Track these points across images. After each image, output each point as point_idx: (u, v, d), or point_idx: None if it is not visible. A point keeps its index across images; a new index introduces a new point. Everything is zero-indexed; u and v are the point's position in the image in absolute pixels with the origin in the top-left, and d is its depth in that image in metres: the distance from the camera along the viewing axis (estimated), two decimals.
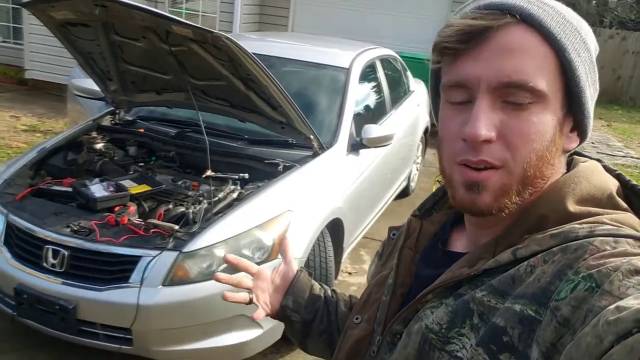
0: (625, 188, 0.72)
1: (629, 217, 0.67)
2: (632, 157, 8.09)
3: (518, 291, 0.62)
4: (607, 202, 0.69)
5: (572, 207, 0.68)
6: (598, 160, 0.77)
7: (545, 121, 0.67)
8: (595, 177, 0.71)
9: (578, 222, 0.66)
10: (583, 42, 0.69)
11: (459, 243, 0.81)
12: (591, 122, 0.73)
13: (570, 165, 0.75)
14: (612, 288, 0.54)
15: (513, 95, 0.66)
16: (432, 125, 6.18)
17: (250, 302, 1.03)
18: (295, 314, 1.05)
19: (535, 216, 0.69)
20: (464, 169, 0.69)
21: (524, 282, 0.63)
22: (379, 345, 0.79)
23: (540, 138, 0.67)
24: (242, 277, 1.06)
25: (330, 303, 1.07)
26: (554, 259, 0.62)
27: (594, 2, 14.29)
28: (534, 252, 0.65)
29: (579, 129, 0.73)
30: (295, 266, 1.09)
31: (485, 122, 0.65)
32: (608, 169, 0.75)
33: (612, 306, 0.50)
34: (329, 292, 1.10)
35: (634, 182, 0.73)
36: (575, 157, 0.77)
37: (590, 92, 0.71)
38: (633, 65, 12.54)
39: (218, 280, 1.03)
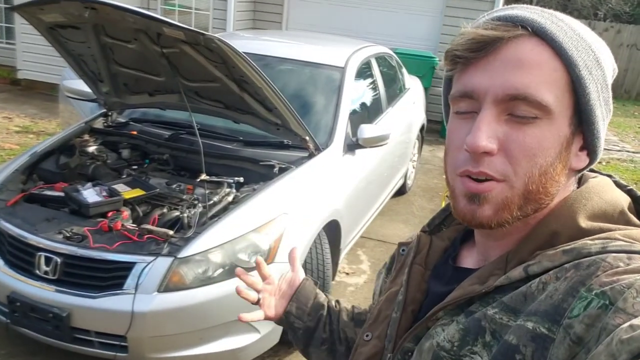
0: (637, 204, 0.72)
1: None
2: (627, 151, 8.09)
3: (530, 308, 0.62)
4: (619, 218, 0.69)
5: (584, 222, 0.67)
6: (609, 175, 0.76)
7: (550, 137, 0.66)
8: (606, 192, 0.71)
9: (590, 238, 0.65)
10: (596, 60, 0.68)
11: (469, 259, 0.81)
12: (602, 143, 0.71)
13: (580, 181, 0.75)
14: (626, 306, 0.53)
15: (518, 109, 0.65)
16: (428, 122, 6.17)
17: (258, 302, 1.08)
18: (298, 320, 1.07)
19: (547, 232, 0.69)
20: (465, 179, 0.68)
21: (536, 299, 0.62)
22: None
23: (544, 153, 0.65)
24: (256, 279, 1.11)
25: (333, 312, 1.10)
26: (567, 275, 0.61)
27: None
28: (545, 269, 0.64)
29: (589, 148, 0.71)
30: (302, 275, 1.13)
31: (487, 133, 0.65)
32: (619, 185, 0.75)
33: (626, 324, 0.50)
34: (333, 302, 1.12)
35: None
36: (586, 172, 0.76)
37: (602, 111, 0.69)
38: (628, 58, 12.55)
39: (238, 275, 1.10)
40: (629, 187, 0.74)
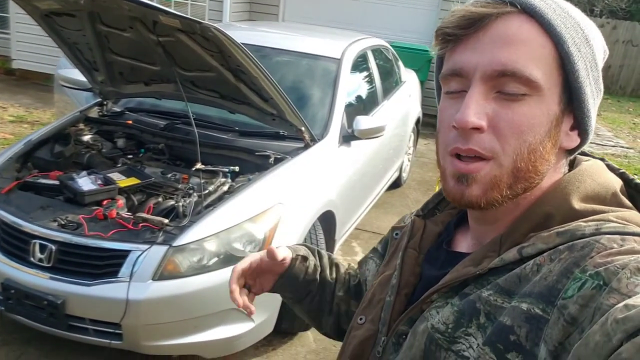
0: (629, 187, 0.72)
1: (635, 214, 0.67)
2: (621, 146, 8.13)
3: (525, 290, 0.62)
4: (612, 200, 0.69)
5: (578, 204, 0.68)
6: (601, 159, 0.76)
7: (539, 114, 0.66)
8: (599, 175, 0.71)
9: (584, 220, 0.66)
10: (585, 38, 0.68)
11: (463, 243, 0.81)
12: (592, 122, 0.71)
13: (573, 164, 0.75)
14: (620, 286, 0.53)
15: (507, 85, 0.65)
16: (424, 115, 6.17)
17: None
18: (286, 294, 1.07)
19: (541, 214, 0.69)
20: (454, 160, 0.69)
21: (531, 281, 0.62)
22: (384, 346, 0.79)
23: (533, 131, 0.66)
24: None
25: (327, 285, 1.07)
26: (561, 257, 0.62)
27: None
28: (540, 251, 0.64)
29: (580, 128, 0.71)
30: (290, 255, 1.04)
31: (475, 110, 0.65)
32: (611, 168, 0.75)
33: (621, 304, 0.50)
34: (327, 271, 1.08)
35: (638, 181, 0.72)
36: (578, 156, 0.76)
37: (591, 89, 0.69)
38: (623, 55, 12.58)
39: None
40: (621, 170, 0.74)
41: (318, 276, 1.07)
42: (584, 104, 0.69)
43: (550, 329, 0.57)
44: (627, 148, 8.07)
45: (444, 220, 0.88)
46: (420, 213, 0.91)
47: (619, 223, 0.64)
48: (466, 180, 0.67)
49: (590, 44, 0.69)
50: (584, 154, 0.77)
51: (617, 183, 0.71)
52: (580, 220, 0.66)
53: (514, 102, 0.65)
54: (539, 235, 0.66)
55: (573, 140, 0.71)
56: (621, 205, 0.69)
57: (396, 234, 0.92)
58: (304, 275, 1.05)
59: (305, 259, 1.07)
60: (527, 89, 0.65)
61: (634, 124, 9.92)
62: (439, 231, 0.86)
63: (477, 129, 0.65)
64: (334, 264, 1.11)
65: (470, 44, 0.67)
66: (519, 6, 0.66)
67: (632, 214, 0.67)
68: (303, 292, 1.06)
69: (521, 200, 0.70)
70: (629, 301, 0.50)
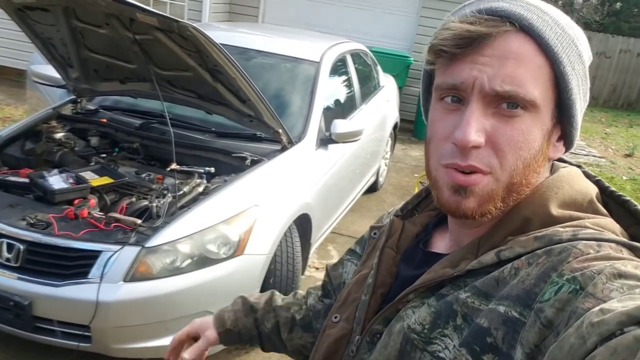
0: (604, 194, 0.74)
1: (610, 222, 0.69)
2: (594, 155, 8.30)
3: (502, 293, 0.63)
4: (588, 207, 0.70)
5: (555, 210, 0.69)
6: (578, 166, 0.78)
7: (535, 130, 0.67)
8: (576, 182, 0.73)
9: (561, 225, 0.67)
10: (578, 54, 0.69)
11: (440, 244, 0.82)
12: (578, 133, 0.73)
13: (551, 170, 0.76)
14: (596, 291, 0.54)
15: (506, 102, 0.66)
16: (402, 120, 6.21)
17: None
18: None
19: (519, 218, 0.70)
20: (451, 171, 0.69)
21: (508, 284, 0.63)
22: (358, 345, 0.79)
23: (528, 146, 0.67)
24: None
25: (266, 337, 1.09)
26: (538, 261, 0.63)
27: (560, 2, 14.58)
28: (518, 254, 0.65)
29: (566, 138, 0.73)
30: (213, 336, 1.09)
31: (476, 128, 0.65)
32: (588, 175, 0.77)
33: (596, 308, 0.51)
34: (265, 324, 1.09)
35: (613, 189, 0.74)
36: (555, 162, 0.77)
37: (581, 104, 0.71)
38: (596, 66, 12.87)
39: None
40: (597, 178, 0.76)
41: (256, 332, 1.09)
42: (573, 118, 0.71)
43: (526, 332, 0.58)
44: (599, 157, 8.25)
45: (423, 221, 0.88)
46: (399, 213, 0.91)
47: (595, 229, 0.65)
48: (464, 192, 0.68)
49: (583, 59, 0.70)
50: (561, 160, 0.78)
51: (593, 190, 0.73)
52: (558, 225, 0.67)
53: (512, 118, 0.66)
54: (517, 239, 0.67)
55: (559, 150, 0.73)
56: (597, 212, 0.70)
57: (374, 234, 0.92)
58: (239, 340, 1.10)
59: (229, 331, 1.09)
60: (524, 106, 0.66)
61: (606, 133, 10.15)
62: (417, 232, 0.87)
63: (476, 146, 0.66)
64: (271, 310, 1.10)
65: (469, 60, 0.66)
66: (517, 25, 0.65)
67: (607, 221, 0.68)
68: (247, 339, 1.10)
69: (505, 208, 0.71)
70: (605, 305, 0.51)
